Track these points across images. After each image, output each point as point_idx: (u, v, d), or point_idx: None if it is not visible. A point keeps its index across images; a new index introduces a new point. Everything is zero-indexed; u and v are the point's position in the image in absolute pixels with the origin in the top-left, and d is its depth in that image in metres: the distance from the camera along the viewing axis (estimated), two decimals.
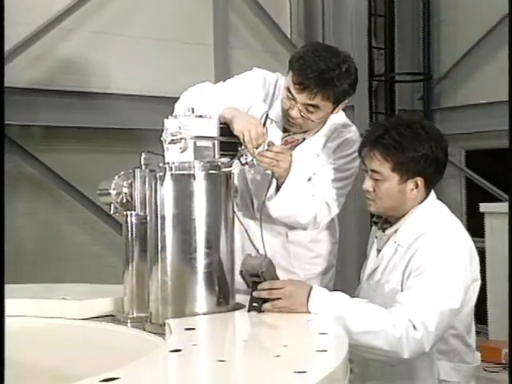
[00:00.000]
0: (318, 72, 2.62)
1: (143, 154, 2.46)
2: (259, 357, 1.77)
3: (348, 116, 5.98)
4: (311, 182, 2.78)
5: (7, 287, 2.97)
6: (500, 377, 5.10)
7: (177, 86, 5.42)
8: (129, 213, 2.40)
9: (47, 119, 4.99)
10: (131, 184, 2.43)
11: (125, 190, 2.44)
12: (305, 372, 1.57)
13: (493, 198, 5.97)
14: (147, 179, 2.38)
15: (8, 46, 4.66)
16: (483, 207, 5.54)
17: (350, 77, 2.70)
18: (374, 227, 2.70)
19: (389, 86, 6.30)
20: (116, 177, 2.48)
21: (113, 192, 2.46)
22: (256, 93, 2.85)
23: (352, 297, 2.37)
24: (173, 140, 2.25)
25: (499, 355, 5.20)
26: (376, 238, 2.62)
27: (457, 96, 6.32)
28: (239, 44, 5.85)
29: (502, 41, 6.03)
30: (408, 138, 2.44)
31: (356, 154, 2.82)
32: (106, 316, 2.48)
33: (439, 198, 2.60)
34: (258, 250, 2.69)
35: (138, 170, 2.43)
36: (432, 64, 6.41)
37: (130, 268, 2.42)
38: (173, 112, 5.34)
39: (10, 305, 2.54)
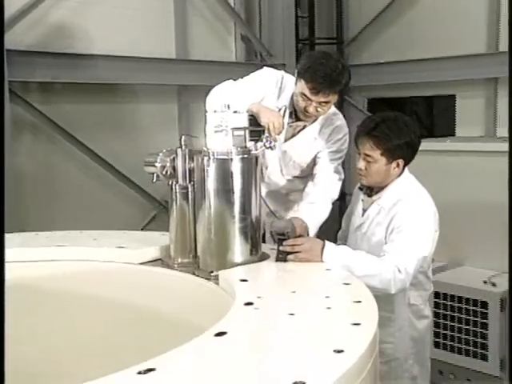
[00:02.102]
0: (327, 76, 2.72)
1: (183, 137, 2.50)
2: (316, 309, 1.83)
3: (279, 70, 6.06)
4: (319, 165, 2.92)
5: (67, 234, 2.97)
6: None
7: (145, 48, 5.41)
8: (174, 182, 2.49)
9: (43, 76, 4.83)
10: (173, 159, 2.48)
11: (168, 164, 2.50)
12: (360, 324, 1.71)
13: None
14: (187, 158, 2.45)
15: (8, 14, 4.50)
16: None
17: (347, 70, 2.82)
18: (355, 189, 2.84)
19: (310, 47, 6.31)
20: (160, 153, 2.53)
21: (158, 165, 2.52)
22: (268, 87, 2.93)
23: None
24: (216, 131, 2.30)
25: None
26: (362, 201, 2.75)
27: (362, 56, 6.41)
28: (194, 12, 5.76)
29: (396, 15, 6.19)
30: (394, 130, 2.58)
31: (345, 137, 2.96)
32: (155, 260, 2.55)
33: None
34: (267, 204, 2.81)
35: (180, 149, 2.47)
36: (343, 30, 6.47)
37: (175, 223, 2.51)
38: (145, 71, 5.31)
39: (80, 251, 2.60)
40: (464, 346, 4.53)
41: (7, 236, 2.81)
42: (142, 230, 5.55)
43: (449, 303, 4.57)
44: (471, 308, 4.50)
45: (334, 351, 1.51)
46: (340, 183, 3.00)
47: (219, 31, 5.98)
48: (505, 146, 5.08)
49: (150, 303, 2.35)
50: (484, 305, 4.45)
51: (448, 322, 4.57)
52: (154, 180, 2.58)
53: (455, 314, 4.54)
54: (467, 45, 5.67)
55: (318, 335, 1.64)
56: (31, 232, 2.92)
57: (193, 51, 5.74)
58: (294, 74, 5.91)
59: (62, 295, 2.48)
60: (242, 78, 5.86)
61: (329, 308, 1.83)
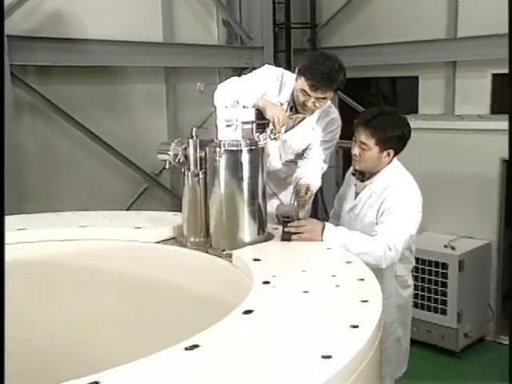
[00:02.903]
0: (325, 75, 2.77)
1: (194, 129, 2.52)
2: (326, 287, 1.89)
3: (258, 54, 6.08)
4: (311, 150, 2.97)
5: (85, 214, 2.98)
6: None
7: (135, 32, 5.37)
8: (186, 169, 2.51)
9: (41, 59, 4.77)
10: (185, 148, 2.50)
11: (180, 152, 2.52)
12: (367, 301, 1.78)
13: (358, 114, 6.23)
14: (198, 147, 2.46)
15: (8, 1, 4.45)
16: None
17: (343, 70, 2.87)
18: (347, 174, 2.91)
19: (286, 31, 6.31)
20: (173, 143, 2.54)
21: (171, 153, 2.53)
22: (269, 83, 2.95)
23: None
24: (227, 125, 2.33)
25: None
26: (355, 185, 2.81)
27: (333, 39, 6.43)
28: None
29: (364, 2, 6.20)
30: (389, 123, 2.64)
31: (338, 129, 3.02)
32: (170, 239, 2.58)
33: None
34: (269, 186, 2.83)
35: (191, 139, 2.48)
36: (316, 16, 6.46)
37: (187, 206, 2.54)
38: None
39: (102, 231, 2.63)
40: (426, 303, 4.74)
41: (30, 216, 2.85)
42: (134, 201, 5.60)
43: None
44: (433, 269, 4.69)
45: (351, 326, 1.60)
46: (323, 171, 3.07)
47: (202, 16, 5.94)
48: (464, 124, 5.21)
49: (169, 279, 2.40)
50: (444, 266, 4.64)
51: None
52: (167, 167, 2.59)
53: (418, 275, 4.71)
54: (429, 31, 5.76)
55: (333, 312, 1.72)
56: (52, 213, 2.94)
57: (178, 35, 5.71)
58: (271, 56, 5.98)
59: (88, 271, 2.53)
60: (223, 59, 5.88)
61: (337, 286, 1.90)
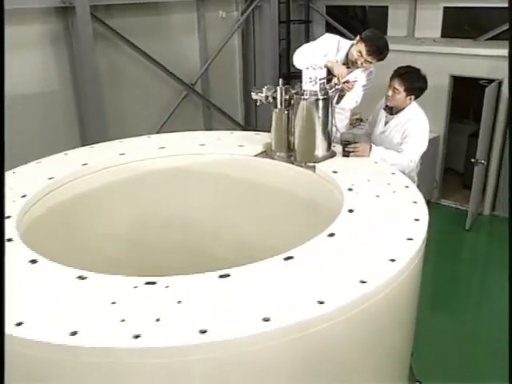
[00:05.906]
0: (379, 48, 3.08)
1: (280, 80, 2.81)
2: (388, 192, 2.16)
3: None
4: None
5: (198, 134, 3.26)
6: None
7: None
8: (274, 107, 2.81)
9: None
10: (274, 92, 2.79)
11: (270, 95, 2.81)
12: (417, 202, 2.09)
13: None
14: (284, 92, 2.75)
15: None
16: None
17: (387, 48, 3.14)
18: (378, 108, 3.22)
19: None
20: (264, 88, 2.83)
21: (263, 95, 2.82)
22: (329, 48, 3.21)
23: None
24: (310, 81, 2.64)
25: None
26: (386, 116, 3.14)
27: None
28: None
29: None
30: (415, 78, 2.97)
31: (372, 78, 3.32)
32: (261, 153, 2.84)
33: None
34: None
35: (279, 87, 2.76)
36: None
37: (274, 130, 2.85)
38: None
39: (216, 148, 2.92)
40: None
41: (163, 136, 3.10)
42: (177, 106, 5.85)
43: None
44: None
45: (415, 220, 1.98)
46: (357, 104, 3.36)
47: None
48: (422, 48, 5.51)
49: (269, 183, 2.69)
50: None
51: None
52: (258, 104, 2.88)
53: None
54: None
55: (402, 210, 2.05)
56: (178, 132, 3.18)
57: None
58: None
59: (212, 177, 2.84)
60: None
61: (394, 192, 2.21)
